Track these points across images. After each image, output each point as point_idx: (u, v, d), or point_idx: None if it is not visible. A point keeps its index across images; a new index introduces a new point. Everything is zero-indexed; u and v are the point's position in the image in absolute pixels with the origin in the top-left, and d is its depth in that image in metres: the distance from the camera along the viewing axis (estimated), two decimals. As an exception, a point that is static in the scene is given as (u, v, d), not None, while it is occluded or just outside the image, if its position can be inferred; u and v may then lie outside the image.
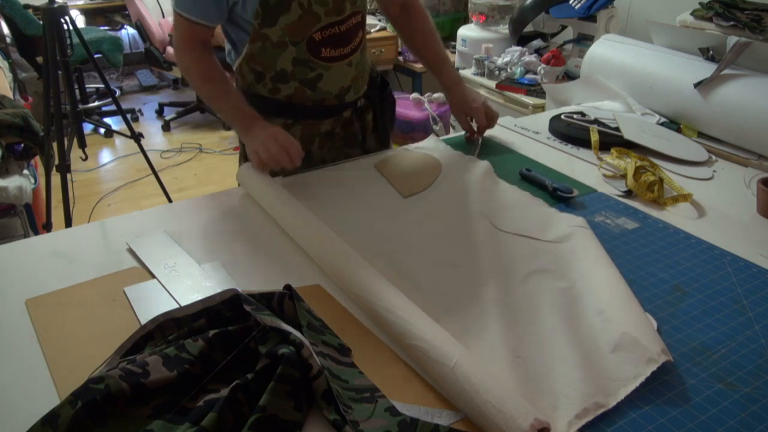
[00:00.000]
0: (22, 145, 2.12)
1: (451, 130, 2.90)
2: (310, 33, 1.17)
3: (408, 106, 2.95)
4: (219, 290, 0.76)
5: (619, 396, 0.69)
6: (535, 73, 2.45)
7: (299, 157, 1.13)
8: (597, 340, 0.78)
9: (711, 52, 1.50)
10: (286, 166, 1.12)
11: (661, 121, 1.52)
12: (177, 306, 0.81)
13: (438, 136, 1.45)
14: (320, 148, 1.33)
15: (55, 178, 2.35)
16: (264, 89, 1.25)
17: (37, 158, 2.38)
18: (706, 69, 1.44)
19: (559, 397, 0.69)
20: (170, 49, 4.04)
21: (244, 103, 1.20)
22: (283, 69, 1.21)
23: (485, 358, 0.75)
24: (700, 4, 1.73)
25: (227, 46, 1.27)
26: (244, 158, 1.32)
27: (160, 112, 4.49)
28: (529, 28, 2.66)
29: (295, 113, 1.28)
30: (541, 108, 2.20)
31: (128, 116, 3.46)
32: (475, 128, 1.40)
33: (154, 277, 0.90)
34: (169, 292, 0.86)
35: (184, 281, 0.88)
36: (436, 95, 2.92)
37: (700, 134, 1.45)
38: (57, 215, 2.43)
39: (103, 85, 2.65)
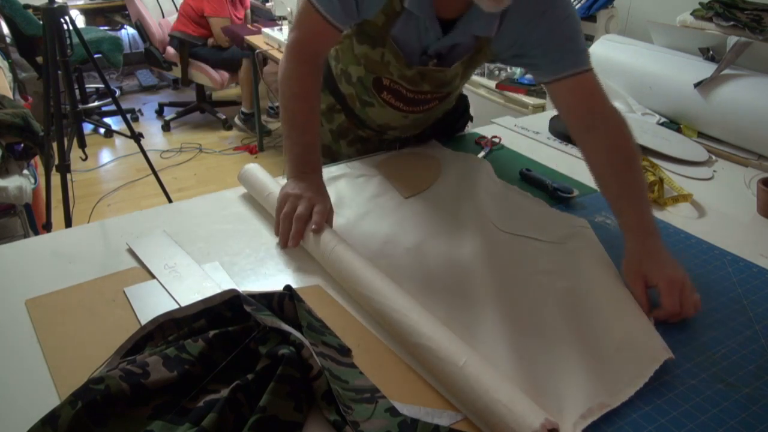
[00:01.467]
0: (22, 145, 2.13)
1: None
2: (381, 75, 1.14)
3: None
4: (219, 290, 0.76)
5: (624, 396, 0.69)
6: (535, 73, 2.45)
7: (318, 232, 0.93)
8: (600, 340, 0.78)
9: (711, 52, 1.50)
10: (297, 233, 0.96)
11: (661, 121, 1.52)
12: (177, 306, 0.81)
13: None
14: (349, 146, 1.33)
15: (55, 178, 2.34)
16: (336, 70, 1.24)
17: (37, 158, 2.39)
18: (706, 69, 1.44)
19: (564, 397, 0.69)
20: (170, 49, 4.04)
21: (316, 145, 1.05)
22: (350, 73, 1.20)
23: (488, 358, 0.75)
24: (700, 4, 1.73)
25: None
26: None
27: (160, 112, 4.49)
28: (529, 28, 2.66)
29: (344, 105, 1.28)
30: (541, 108, 2.20)
31: (128, 116, 3.47)
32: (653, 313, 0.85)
33: (154, 277, 0.90)
34: (169, 293, 0.86)
35: (184, 281, 0.88)
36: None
37: (700, 134, 1.45)
38: (57, 215, 2.43)
39: (103, 85, 2.65)
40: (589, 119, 0.99)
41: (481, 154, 1.33)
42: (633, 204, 0.92)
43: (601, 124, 0.99)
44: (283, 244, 0.97)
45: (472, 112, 1.44)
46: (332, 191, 1.16)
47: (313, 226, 0.94)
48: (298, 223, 0.95)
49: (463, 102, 1.39)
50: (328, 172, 1.25)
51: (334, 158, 1.33)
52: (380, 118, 1.24)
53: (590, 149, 1.00)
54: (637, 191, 0.93)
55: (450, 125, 1.39)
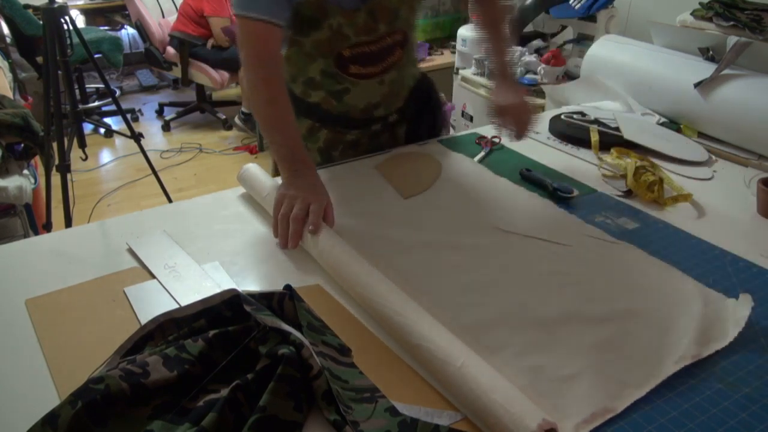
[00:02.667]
0: (22, 145, 2.13)
1: (452, 130, 2.90)
2: (339, 50, 1.16)
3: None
4: (219, 290, 0.76)
5: (629, 400, 0.69)
6: (535, 73, 2.46)
7: (315, 233, 0.95)
8: (607, 345, 0.78)
9: (711, 52, 1.50)
10: (296, 233, 0.96)
11: (661, 121, 1.52)
12: (177, 306, 0.81)
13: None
14: (342, 155, 1.32)
15: (55, 178, 2.35)
16: (297, 89, 1.26)
17: (37, 158, 2.39)
18: (706, 69, 1.44)
19: (568, 400, 0.69)
20: (170, 49, 4.04)
21: (299, 142, 1.08)
22: (312, 77, 1.21)
23: (493, 360, 0.75)
24: (700, 4, 1.73)
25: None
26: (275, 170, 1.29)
27: (160, 112, 4.49)
28: (529, 28, 2.67)
29: (322, 118, 1.28)
30: (541, 108, 2.20)
31: (128, 116, 3.47)
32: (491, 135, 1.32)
33: (154, 277, 0.90)
34: (169, 292, 0.86)
35: (184, 281, 0.88)
36: (436, 95, 2.91)
37: (700, 134, 1.45)
38: (57, 215, 2.43)
39: (103, 85, 2.65)
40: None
41: (481, 154, 1.33)
42: (498, 54, 1.27)
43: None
44: (283, 245, 0.97)
45: (471, 111, 1.44)
46: (332, 191, 1.16)
47: (310, 227, 0.94)
48: (295, 224, 0.95)
49: (426, 80, 1.41)
50: (329, 172, 1.25)
51: None
52: (361, 99, 1.25)
53: (481, 13, 1.28)
54: (504, 46, 1.27)
55: (424, 103, 1.40)
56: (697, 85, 1.42)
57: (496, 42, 1.27)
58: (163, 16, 4.34)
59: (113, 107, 2.77)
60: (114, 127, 4.09)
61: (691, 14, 1.74)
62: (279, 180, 1.11)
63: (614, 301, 0.86)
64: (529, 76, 2.46)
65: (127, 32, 5.09)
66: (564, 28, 2.71)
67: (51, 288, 0.87)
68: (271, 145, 1.09)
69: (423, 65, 3.12)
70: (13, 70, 3.43)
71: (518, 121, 1.21)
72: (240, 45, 1.08)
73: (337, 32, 1.12)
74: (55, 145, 2.31)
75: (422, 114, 1.39)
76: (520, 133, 1.23)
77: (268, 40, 1.06)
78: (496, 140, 1.40)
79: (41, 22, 2.32)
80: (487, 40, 1.29)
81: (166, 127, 4.22)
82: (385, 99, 1.28)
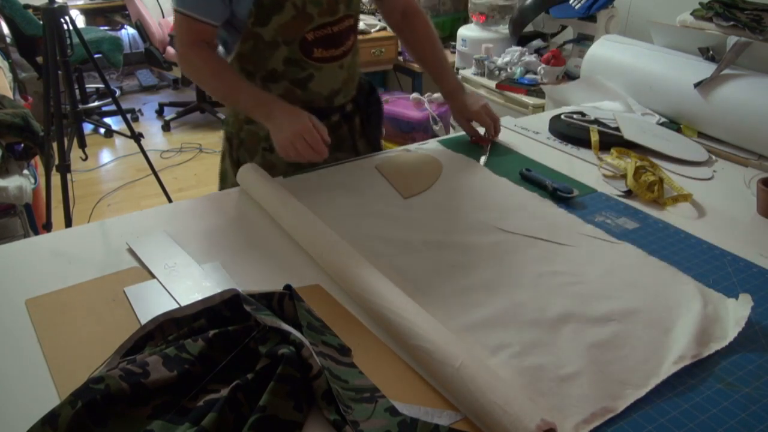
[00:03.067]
0: (22, 145, 2.12)
1: (451, 130, 2.90)
2: (303, 33, 1.17)
3: (408, 106, 2.95)
4: (219, 290, 0.76)
5: (629, 400, 0.69)
6: (535, 73, 2.46)
7: (326, 151, 1.11)
8: (607, 344, 0.78)
9: (711, 52, 1.50)
10: (314, 161, 1.11)
11: (661, 121, 1.52)
12: (177, 306, 0.81)
13: (438, 136, 1.45)
14: None
15: (55, 178, 2.35)
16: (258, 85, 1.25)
17: (37, 158, 2.38)
18: (706, 69, 1.44)
19: (567, 400, 0.69)
20: (170, 49, 4.04)
21: (258, 89, 1.18)
22: (274, 68, 1.22)
23: (492, 361, 0.75)
24: (700, 4, 1.73)
25: (219, 47, 1.27)
26: (230, 159, 1.34)
27: (160, 112, 4.49)
28: (529, 28, 2.66)
29: None
30: (541, 108, 2.20)
31: (128, 116, 3.47)
32: (482, 133, 1.39)
33: (154, 277, 0.90)
34: (169, 292, 0.86)
35: (184, 281, 0.88)
36: (436, 95, 2.92)
37: (700, 134, 1.45)
38: (57, 215, 2.43)
39: (103, 85, 2.65)
40: (404, 17, 1.37)
41: (486, 155, 1.33)
42: (444, 74, 1.40)
43: (413, 18, 1.37)
44: (319, 155, 1.09)
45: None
46: (332, 191, 1.16)
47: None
48: (310, 135, 1.08)
49: (364, 75, 1.44)
50: (329, 171, 1.25)
51: (298, 172, 1.31)
52: (324, 86, 1.26)
53: (409, 39, 1.41)
54: (445, 65, 1.40)
55: (369, 94, 1.42)
56: (697, 85, 1.42)
57: (435, 62, 1.40)
58: (163, 16, 4.34)
59: (113, 107, 2.77)
60: (114, 127, 4.09)
61: (691, 14, 1.74)
62: (279, 180, 1.11)
63: (614, 301, 0.86)
64: (529, 76, 2.46)
65: (127, 32, 5.09)
66: (564, 28, 2.71)
67: (51, 288, 0.87)
68: (233, 103, 1.23)
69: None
70: (13, 70, 3.43)
71: (489, 122, 1.36)
72: (176, 37, 1.19)
73: (302, 11, 1.15)
74: (55, 145, 2.31)
75: (370, 104, 1.42)
76: (497, 131, 1.38)
77: (202, 32, 1.16)
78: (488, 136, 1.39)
79: (41, 22, 2.32)
80: (424, 61, 1.42)
81: (166, 127, 4.22)
82: (345, 85, 1.30)
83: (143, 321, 0.79)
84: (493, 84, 2.49)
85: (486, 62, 2.56)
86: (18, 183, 2.04)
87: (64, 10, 2.22)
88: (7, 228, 2.16)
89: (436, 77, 1.42)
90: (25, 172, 2.14)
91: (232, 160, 1.33)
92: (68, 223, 2.35)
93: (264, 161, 1.27)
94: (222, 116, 4.26)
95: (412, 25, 1.38)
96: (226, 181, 1.38)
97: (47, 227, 2.41)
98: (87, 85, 4.39)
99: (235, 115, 1.31)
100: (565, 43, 2.57)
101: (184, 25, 1.16)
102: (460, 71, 2.68)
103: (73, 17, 2.39)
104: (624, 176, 1.21)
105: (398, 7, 1.37)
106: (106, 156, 3.82)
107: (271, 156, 1.25)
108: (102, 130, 4.08)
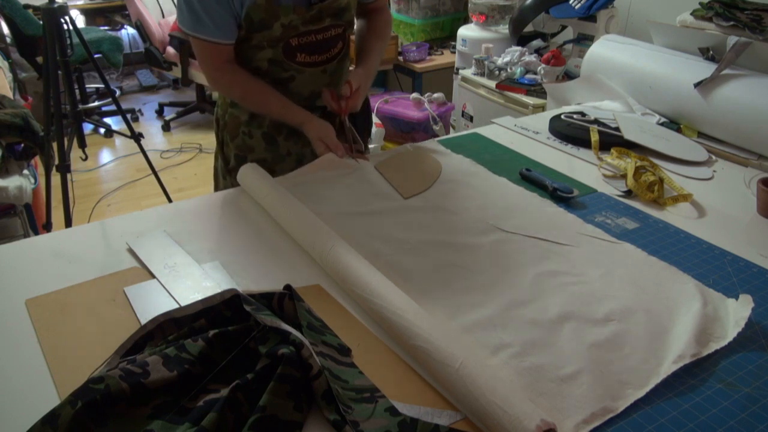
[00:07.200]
0: (22, 145, 2.12)
1: (451, 130, 2.90)
2: (287, 39, 1.20)
3: (408, 106, 2.94)
4: (219, 290, 0.76)
5: (629, 400, 0.69)
6: (535, 73, 2.45)
7: (342, 151, 1.24)
8: (607, 344, 0.78)
9: (711, 52, 1.50)
10: (339, 147, 1.23)
11: (661, 121, 1.52)
12: (177, 306, 0.81)
13: (438, 136, 1.45)
14: (287, 140, 1.33)
15: (55, 178, 2.34)
16: None
17: (37, 158, 2.38)
18: (706, 69, 1.44)
19: (567, 400, 0.69)
20: (170, 49, 4.04)
21: (288, 104, 1.25)
22: (258, 66, 1.25)
23: (492, 361, 0.75)
24: (700, 4, 1.73)
25: None
26: (219, 148, 1.45)
27: (160, 112, 4.49)
28: (529, 28, 2.66)
29: None
30: (541, 108, 2.20)
31: (128, 116, 3.46)
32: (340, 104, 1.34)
33: (154, 277, 0.90)
34: (169, 292, 0.86)
35: (184, 281, 0.88)
36: (436, 95, 2.91)
37: (700, 134, 1.45)
38: (57, 215, 2.43)
39: (103, 85, 2.65)
40: (371, 15, 1.40)
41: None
42: (363, 59, 1.36)
43: (377, 15, 1.40)
44: (344, 154, 1.23)
45: (471, 111, 1.45)
46: (332, 191, 1.16)
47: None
48: (337, 146, 1.23)
49: (366, 104, 1.46)
50: (328, 175, 1.25)
51: (275, 159, 1.33)
52: (305, 87, 1.29)
53: (364, 23, 1.40)
54: (372, 55, 1.37)
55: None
56: (697, 85, 1.42)
57: (365, 47, 1.38)
58: (163, 16, 4.34)
59: (113, 107, 2.77)
60: (114, 127, 4.09)
61: (691, 14, 1.74)
62: (279, 180, 1.11)
63: (614, 300, 0.86)
64: (529, 76, 2.46)
65: (127, 32, 5.09)
66: (564, 28, 2.71)
67: (51, 288, 0.87)
68: (270, 116, 1.29)
69: (423, 65, 3.11)
70: (13, 70, 3.43)
71: (333, 106, 1.33)
72: (200, 62, 1.23)
73: (288, 27, 1.18)
74: (55, 145, 2.30)
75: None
76: (345, 110, 1.33)
77: (222, 52, 1.20)
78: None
79: (41, 22, 2.32)
80: (359, 46, 1.40)
81: (166, 127, 4.22)
82: (327, 88, 1.31)
83: (143, 321, 0.79)
84: (493, 84, 2.49)
85: (486, 62, 2.56)
86: (18, 183, 2.04)
87: (64, 10, 2.22)
88: (7, 228, 2.16)
89: (359, 57, 1.40)
90: (25, 172, 2.14)
91: (221, 148, 1.43)
92: (68, 223, 2.35)
93: (243, 144, 1.34)
94: (222, 116, 4.26)
95: (374, 20, 1.40)
96: (218, 179, 1.47)
97: (47, 227, 2.41)
98: (87, 85, 4.39)
99: (223, 98, 1.35)
100: (565, 43, 2.57)
101: (205, 50, 1.20)
102: (460, 71, 2.68)
103: (73, 17, 2.38)
104: (624, 176, 1.21)
105: (376, 7, 1.41)
106: (106, 156, 3.82)
107: (251, 141, 1.32)
108: (102, 130, 4.07)
